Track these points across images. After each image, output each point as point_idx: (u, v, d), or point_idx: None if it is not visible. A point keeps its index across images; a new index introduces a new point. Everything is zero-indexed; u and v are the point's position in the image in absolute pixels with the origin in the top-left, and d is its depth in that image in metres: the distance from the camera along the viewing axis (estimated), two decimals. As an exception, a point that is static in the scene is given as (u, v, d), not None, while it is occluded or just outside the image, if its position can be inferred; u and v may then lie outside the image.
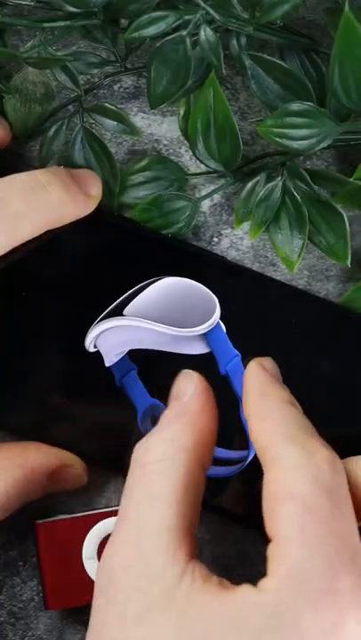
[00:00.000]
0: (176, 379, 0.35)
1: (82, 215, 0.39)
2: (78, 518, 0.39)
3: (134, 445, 0.39)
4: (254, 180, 0.40)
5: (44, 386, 0.39)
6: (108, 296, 0.39)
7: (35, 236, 0.37)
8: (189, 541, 0.31)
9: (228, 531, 0.41)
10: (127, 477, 0.33)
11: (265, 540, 0.40)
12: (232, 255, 0.42)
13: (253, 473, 0.39)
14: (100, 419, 0.39)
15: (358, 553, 0.29)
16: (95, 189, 0.39)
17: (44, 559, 0.39)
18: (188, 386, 0.34)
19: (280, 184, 0.39)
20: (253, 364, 0.35)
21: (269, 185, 0.39)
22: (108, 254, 0.40)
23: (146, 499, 0.31)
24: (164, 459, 0.32)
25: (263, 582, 0.29)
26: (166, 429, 0.33)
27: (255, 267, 0.41)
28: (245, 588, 0.29)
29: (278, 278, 0.41)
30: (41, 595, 0.41)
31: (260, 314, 0.39)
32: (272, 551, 0.29)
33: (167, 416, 0.34)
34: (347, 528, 0.29)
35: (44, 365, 0.39)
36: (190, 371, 0.35)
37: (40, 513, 0.40)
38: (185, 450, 0.32)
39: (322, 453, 0.30)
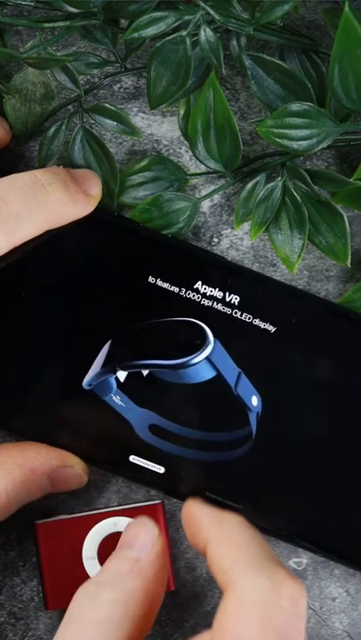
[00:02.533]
0: (131, 523, 0.34)
1: (82, 215, 0.39)
2: (78, 518, 0.39)
3: (132, 448, 0.39)
4: (254, 181, 0.40)
5: (45, 387, 0.39)
6: (109, 296, 0.39)
7: (35, 235, 0.37)
8: None
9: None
10: (64, 624, 0.31)
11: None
12: (232, 255, 0.42)
13: (252, 478, 0.39)
14: (101, 419, 0.39)
15: None
16: (95, 189, 0.39)
17: (44, 559, 0.39)
18: (146, 539, 0.33)
19: (280, 184, 0.39)
20: (192, 501, 0.33)
21: (269, 185, 0.39)
22: (108, 254, 0.40)
23: None
24: (110, 622, 0.30)
25: None
26: (118, 588, 0.31)
27: (255, 267, 0.41)
28: None
29: (278, 278, 0.41)
30: (41, 595, 0.41)
31: (260, 314, 0.39)
32: None
33: (120, 568, 0.32)
34: None
35: (44, 367, 0.39)
36: (148, 520, 0.34)
37: (40, 513, 0.40)
38: (133, 618, 0.30)
39: (287, 588, 0.28)
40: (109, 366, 0.39)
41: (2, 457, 0.38)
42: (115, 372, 0.39)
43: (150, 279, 0.39)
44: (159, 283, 0.39)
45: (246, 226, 0.41)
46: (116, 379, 0.39)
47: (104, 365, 0.39)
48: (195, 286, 0.39)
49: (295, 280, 0.41)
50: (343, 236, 0.39)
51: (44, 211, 0.37)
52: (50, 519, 0.39)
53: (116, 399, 0.39)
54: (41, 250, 0.39)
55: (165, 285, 0.39)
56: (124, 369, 0.39)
